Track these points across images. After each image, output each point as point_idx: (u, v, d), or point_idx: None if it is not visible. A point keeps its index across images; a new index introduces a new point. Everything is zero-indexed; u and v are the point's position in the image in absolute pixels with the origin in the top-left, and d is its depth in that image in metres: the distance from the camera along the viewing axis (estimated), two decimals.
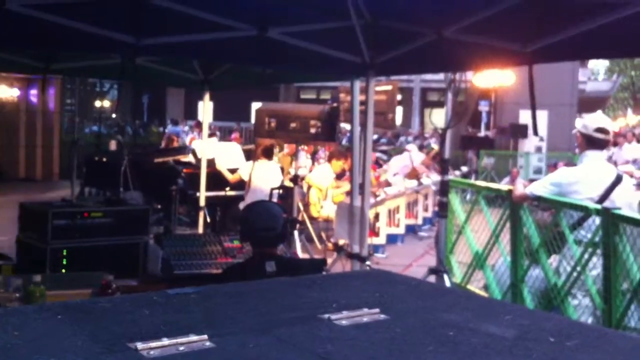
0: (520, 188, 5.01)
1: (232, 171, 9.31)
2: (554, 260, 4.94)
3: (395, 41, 4.39)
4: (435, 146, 15.24)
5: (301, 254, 7.58)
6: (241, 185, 8.99)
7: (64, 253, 4.44)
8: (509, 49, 3.83)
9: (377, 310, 1.27)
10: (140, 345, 1.06)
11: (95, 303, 1.23)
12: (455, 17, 3.84)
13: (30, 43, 4.89)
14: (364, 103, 5.16)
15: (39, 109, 18.66)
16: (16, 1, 3.79)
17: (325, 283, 1.50)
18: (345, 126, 11.43)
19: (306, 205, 10.02)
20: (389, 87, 8.00)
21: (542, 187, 4.85)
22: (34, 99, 18.43)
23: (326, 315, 1.20)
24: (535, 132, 4.50)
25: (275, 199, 8.75)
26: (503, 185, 5.94)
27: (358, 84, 5.31)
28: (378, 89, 7.29)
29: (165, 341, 1.07)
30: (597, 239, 4.42)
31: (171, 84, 14.22)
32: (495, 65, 4.21)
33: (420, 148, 16.75)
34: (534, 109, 3.88)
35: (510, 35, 3.75)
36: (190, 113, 31.11)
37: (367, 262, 5.29)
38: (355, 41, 4.27)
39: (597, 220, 4.43)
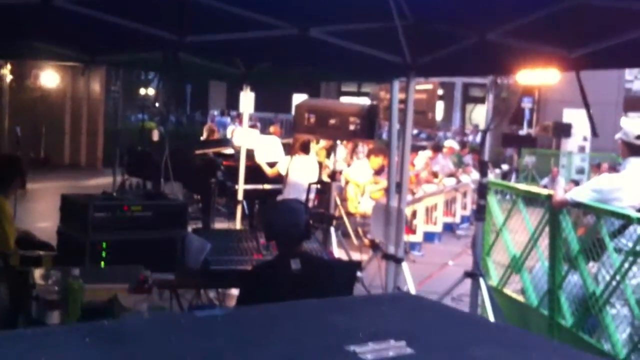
0: (561, 193, 4.93)
1: (271, 165, 9.36)
2: (592, 267, 4.86)
3: (437, 43, 4.35)
4: (452, 143, 14.98)
5: (337, 250, 7.59)
6: (279, 178, 9.03)
7: (103, 246, 4.50)
8: (553, 54, 3.76)
9: (403, 343, 1.25)
10: None
11: (123, 325, 1.24)
12: (499, 20, 3.79)
13: (75, 38, 4.99)
14: (403, 102, 5.13)
15: (84, 96, 18.98)
16: None
17: (355, 308, 1.49)
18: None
19: (343, 201, 10.03)
20: (430, 86, 7.93)
21: (583, 193, 4.78)
22: (79, 87, 18.74)
23: (352, 348, 1.19)
24: (595, 133, 4.43)
25: (313, 194, 8.78)
26: (543, 190, 5.84)
27: (397, 83, 5.28)
28: (418, 87, 7.23)
29: None
30: (638, 247, 4.33)
31: (213, 78, 14.35)
32: (538, 66, 4.12)
33: (462, 145, 16.58)
34: (588, 110, 3.84)
35: (555, 40, 3.69)
36: (233, 103, 31.31)
37: (403, 263, 5.28)
38: (396, 42, 4.24)
39: (639, 229, 4.35)
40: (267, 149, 10.24)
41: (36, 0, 3.76)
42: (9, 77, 18.15)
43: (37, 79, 18.03)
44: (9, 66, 17.39)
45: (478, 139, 19.60)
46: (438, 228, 10.84)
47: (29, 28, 4.58)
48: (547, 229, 5.22)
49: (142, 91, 30.60)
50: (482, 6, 3.67)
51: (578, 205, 4.80)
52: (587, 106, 3.75)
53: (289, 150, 9.62)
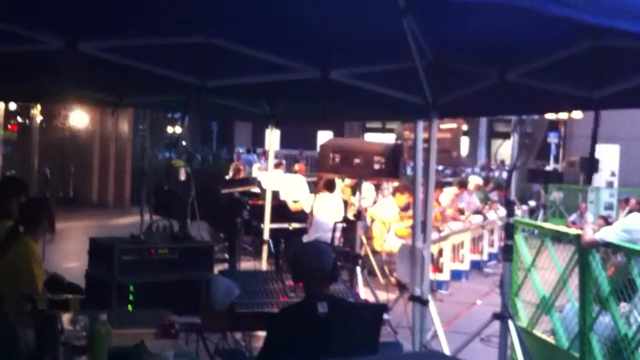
0: (590, 233, 4.87)
1: (296, 202, 9.38)
2: (624, 307, 4.77)
3: (458, 83, 4.36)
4: (477, 179, 14.81)
5: (363, 289, 7.54)
6: (305, 217, 9.04)
7: (131, 288, 4.53)
8: (574, 95, 3.75)
9: None
10: None
11: None
12: (519, 60, 3.79)
13: (102, 82, 5.10)
14: (427, 140, 5.13)
15: (112, 135, 19.23)
16: (89, 45, 3.94)
17: None
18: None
19: (369, 239, 9.99)
20: (454, 125, 7.94)
21: (613, 233, 4.72)
22: (107, 126, 19.00)
23: None
24: (590, 171, 4.39)
25: (338, 233, 8.77)
26: (571, 229, 5.77)
27: (421, 123, 5.28)
28: (443, 126, 7.25)
29: None
30: None
31: (238, 117, 14.49)
32: (560, 110, 4.13)
33: (487, 181, 16.49)
34: (592, 153, 3.80)
35: (576, 81, 3.68)
36: (258, 140, 31.53)
37: (430, 304, 5.22)
38: (417, 82, 4.26)
39: None
40: (293, 188, 10.28)
41: (63, 46, 3.85)
42: (38, 118, 18.50)
43: (66, 119, 18.34)
44: (38, 107, 17.72)
45: (504, 174, 19.49)
46: (465, 266, 10.73)
47: (58, 73, 4.69)
48: (576, 269, 5.15)
49: (170, 129, 30.96)
50: (501, 46, 3.68)
51: (608, 245, 4.73)
52: (593, 149, 3.72)
53: (314, 188, 9.64)
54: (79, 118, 18.50)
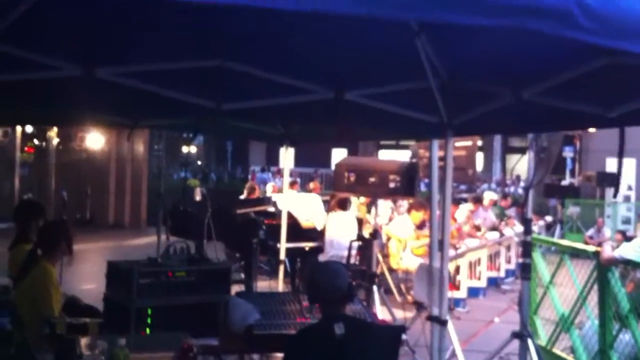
0: (609, 250, 4.84)
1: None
2: None
3: (473, 102, 4.36)
4: (491, 194, 14.78)
5: (379, 308, 7.50)
6: (320, 235, 9.03)
7: (149, 312, 4.55)
8: (590, 113, 3.74)
9: None
10: None
11: None
12: (533, 79, 3.78)
13: (118, 106, 5.14)
14: (442, 158, 5.12)
15: (128, 156, 19.35)
16: (105, 70, 3.98)
17: None
18: None
19: (385, 257, 9.96)
20: (469, 143, 7.93)
21: (632, 250, 4.68)
22: (123, 147, 19.12)
23: None
24: (617, 189, 4.36)
25: (354, 251, 8.75)
26: (589, 246, 5.73)
27: (436, 142, 5.28)
28: (458, 144, 7.24)
29: None
30: None
31: (252, 138, 14.57)
32: (576, 128, 4.12)
33: (505, 196, 16.39)
34: (619, 170, 3.78)
35: (591, 99, 3.67)
36: (273, 159, 31.65)
37: (449, 324, 5.18)
38: (432, 101, 4.26)
39: None
40: (307, 207, 10.28)
41: (80, 73, 3.89)
42: (55, 140, 18.67)
43: (82, 141, 18.48)
44: (55, 129, 17.88)
45: (519, 190, 19.38)
46: (482, 283, 10.65)
47: (74, 98, 4.73)
48: (595, 286, 5.10)
49: (185, 149, 31.15)
50: (516, 65, 3.68)
51: (627, 262, 4.69)
52: (620, 158, 3.69)
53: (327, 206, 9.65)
54: (95, 139, 18.63)
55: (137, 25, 3.08)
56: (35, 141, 20.10)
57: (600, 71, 3.25)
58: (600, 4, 1.85)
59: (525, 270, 4.99)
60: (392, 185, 6.68)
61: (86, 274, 9.83)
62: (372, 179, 6.85)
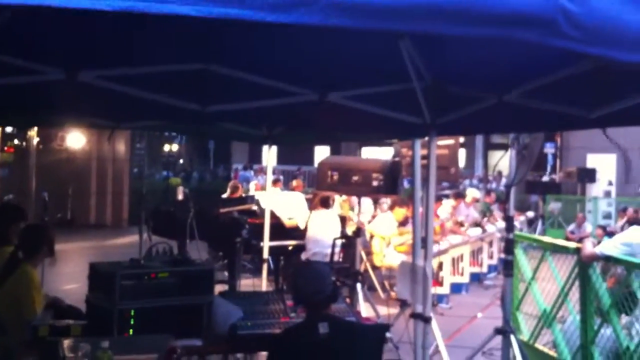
0: (590, 247, 4.90)
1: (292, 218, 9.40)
2: (624, 320, 4.79)
3: (456, 103, 4.39)
4: (474, 192, 14.88)
5: (363, 305, 7.54)
6: (302, 234, 9.05)
7: (132, 313, 4.52)
8: (572, 114, 3.78)
9: None
10: None
11: None
12: (516, 82, 3.82)
13: (100, 109, 5.12)
14: (425, 157, 5.14)
15: (110, 156, 19.24)
16: (89, 74, 3.97)
17: None
18: None
19: (369, 254, 10.00)
20: (451, 142, 7.98)
21: (613, 247, 4.74)
22: (104, 147, 19.01)
23: None
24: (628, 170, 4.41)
25: (338, 249, 8.78)
26: (571, 243, 5.79)
27: (419, 141, 5.31)
28: (440, 143, 7.29)
29: None
30: None
31: (235, 139, 14.54)
32: (559, 129, 4.17)
33: (488, 192, 16.48)
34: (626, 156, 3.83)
35: (574, 101, 3.71)
36: (255, 157, 31.62)
37: (432, 321, 5.22)
38: (415, 103, 4.28)
39: None
40: (290, 205, 10.29)
41: (63, 77, 3.87)
42: (35, 140, 18.51)
43: (63, 141, 18.33)
44: (35, 129, 17.72)
45: (501, 187, 19.49)
46: (465, 279, 10.73)
47: (56, 101, 4.71)
48: (577, 282, 5.16)
49: (167, 147, 31.02)
50: (499, 68, 3.71)
51: (608, 258, 4.75)
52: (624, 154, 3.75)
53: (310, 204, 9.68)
54: (75, 139, 18.49)
55: (121, 28, 3.07)
56: (16, 141, 19.92)
57: (583, 75, 3.29)
58: (585, 12, 1.88)
59: (507, 267, 5.04)
60: (375, 183, 6.72)
61: (68, 274, 9.79)
62: (355, 178, 6.88)
